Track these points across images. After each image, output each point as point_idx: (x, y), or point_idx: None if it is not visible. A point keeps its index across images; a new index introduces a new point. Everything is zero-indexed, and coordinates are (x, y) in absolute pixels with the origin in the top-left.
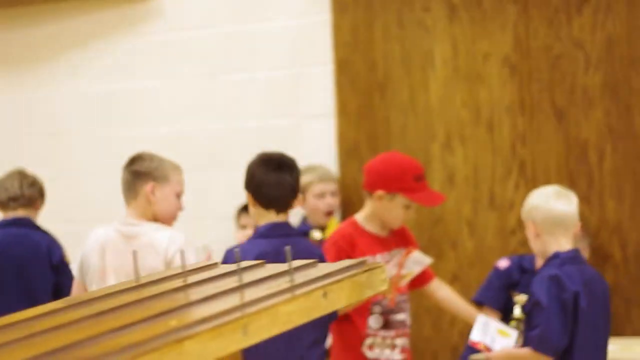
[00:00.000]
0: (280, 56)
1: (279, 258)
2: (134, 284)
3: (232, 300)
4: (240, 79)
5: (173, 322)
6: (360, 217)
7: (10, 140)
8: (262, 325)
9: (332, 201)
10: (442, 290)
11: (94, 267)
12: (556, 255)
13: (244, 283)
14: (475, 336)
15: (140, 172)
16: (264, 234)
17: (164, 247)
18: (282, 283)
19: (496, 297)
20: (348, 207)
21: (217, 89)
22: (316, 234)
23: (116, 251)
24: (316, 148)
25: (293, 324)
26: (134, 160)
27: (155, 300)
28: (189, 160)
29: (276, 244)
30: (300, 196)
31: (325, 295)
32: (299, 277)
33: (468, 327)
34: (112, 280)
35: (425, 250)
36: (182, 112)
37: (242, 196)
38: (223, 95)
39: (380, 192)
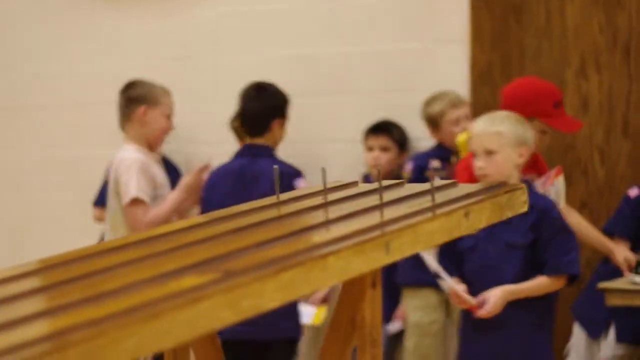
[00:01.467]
0: None
1: (243, 176)
2: (274, 201)
3: (373, 218)
4: (371, 2)
5: (315, 238)
6: None
7: (141, 65)
8: (404, 243)
9: (468, 125)
10: (571, 217)
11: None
12: None
13: (385, 202)
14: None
15: (133, 98)
16: (237, 153)
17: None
18: (423, 202)
19: (627, 226)
20: None
21: (346, 11)
22: (455, 160)
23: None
24: (448, 72)
25: (435, 243)
26: (128, 87)
27: (295, 217)
28: (317, 84)
29: (241, 162)
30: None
31: (466, 215)
32: (440, 197)
33: (595, 254)
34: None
35: None
36: (311, 35)
37: (369, 119)
38: (352, 18)
39: None
